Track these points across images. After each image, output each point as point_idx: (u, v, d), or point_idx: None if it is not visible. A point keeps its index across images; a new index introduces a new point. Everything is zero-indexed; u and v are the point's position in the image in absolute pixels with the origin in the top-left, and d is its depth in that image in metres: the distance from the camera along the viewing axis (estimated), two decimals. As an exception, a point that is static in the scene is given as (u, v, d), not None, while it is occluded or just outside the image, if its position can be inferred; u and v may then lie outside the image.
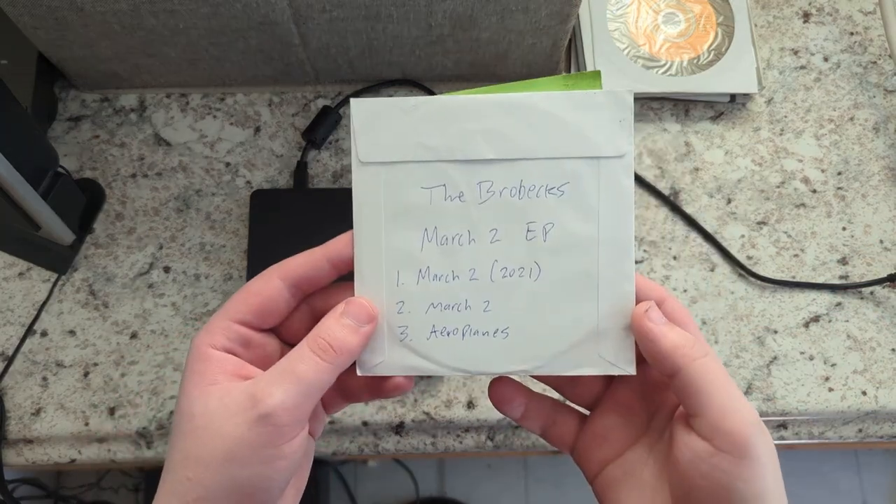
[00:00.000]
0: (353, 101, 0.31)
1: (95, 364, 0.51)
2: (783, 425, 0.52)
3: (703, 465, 0.28)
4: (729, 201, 0.56)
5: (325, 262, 0.31)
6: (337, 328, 0.29)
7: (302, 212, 0.52)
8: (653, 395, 0.32)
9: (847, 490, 1.23)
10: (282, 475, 0.28)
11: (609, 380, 0.34)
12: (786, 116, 0.58)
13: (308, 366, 0.28)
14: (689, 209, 0.55)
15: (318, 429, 0.33)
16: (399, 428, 0.51)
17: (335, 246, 0.31)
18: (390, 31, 0.51)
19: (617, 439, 0.32)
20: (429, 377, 0.51)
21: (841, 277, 0.54)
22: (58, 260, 0.53)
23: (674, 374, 0.29)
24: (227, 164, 0.56)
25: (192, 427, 0.27)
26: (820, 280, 0.54)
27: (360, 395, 0.33)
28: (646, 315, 0.29)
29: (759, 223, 0.55)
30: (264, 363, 0.30)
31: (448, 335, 0.31)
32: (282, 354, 0.30)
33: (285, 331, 0.32)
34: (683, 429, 0.29)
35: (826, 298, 0.54)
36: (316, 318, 0.30)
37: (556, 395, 0.35)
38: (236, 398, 0.27)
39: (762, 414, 0.51)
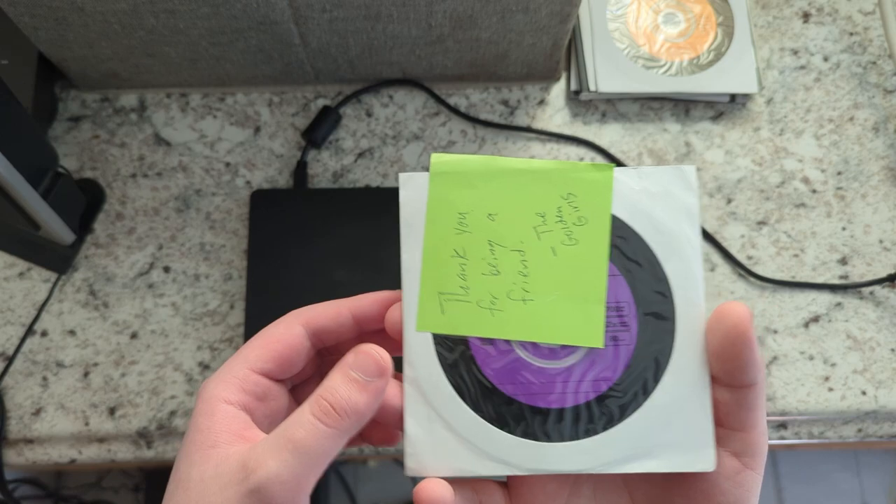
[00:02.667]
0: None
1: (95, 364, 0.51)
2: (783, 425, 0.52)
3: (726, 483, 0.27)
4: (729, 201, 0.56)
5: (350, 316, 0.29)
6: (342, 386, 0.26)
7: (302, 212, 0.52)
8: None
9: (847, 490, 1.23)
10: None
11: None
12: (786, 116, 0.58)
13: (308, 432, 0.25)
14: (689, 209, 0.55)
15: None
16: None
17: (361, 303, 0.29)
18: (390, 31, 0.51)
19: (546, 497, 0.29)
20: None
21: (841, 277, 0.54)
22: (58, 260, 0.53)
23: None
24: (227, 164, 0.56)
25: (185, 497, 0.25)
26: (820, 280, 0.54)
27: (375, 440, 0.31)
28: None
29: (759, 223, 0.55)
30: (277, 420, 0.27)
31: None
32: (289, 413, 0.28)
33: (298, 389, 0.30)
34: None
35: (826, 298, 0.54)
36: None
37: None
38: (231, 467, 0.25)
39: (762, 414, 0.51)
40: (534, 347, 0.28)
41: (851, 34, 0.61)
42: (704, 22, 0.58)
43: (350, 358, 0.26)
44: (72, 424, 0.50)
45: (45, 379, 0.51)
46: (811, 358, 0.52)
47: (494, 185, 0.29)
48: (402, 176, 0.28)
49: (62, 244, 0.52)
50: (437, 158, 0.29)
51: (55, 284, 0.53)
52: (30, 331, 0.52)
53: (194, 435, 0.26)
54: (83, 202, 0.53)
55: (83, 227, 0.53)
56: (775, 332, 0.53)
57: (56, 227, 0.49)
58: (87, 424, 0.50)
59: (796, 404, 0.51)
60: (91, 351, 0.51)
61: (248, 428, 0.26)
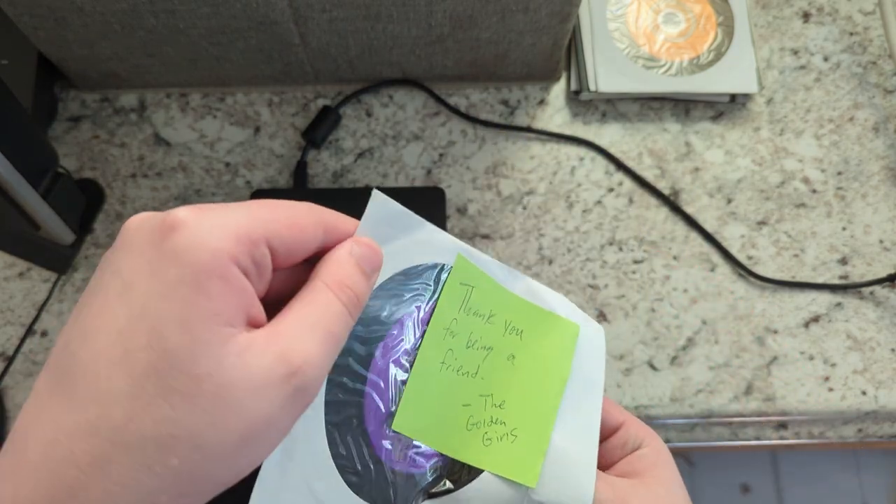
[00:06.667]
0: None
1: (95, 364, 0.51)
2: (783, 425, 0.52)
3: None
4: (729, 201, 0.56)
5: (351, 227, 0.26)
6: (360, 279, 0.23)
7: (302, 212, 0.52)
8: None
9: (847, 490, 1.23)
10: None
11: None
12: (786, 116, 0.58)
13: (344, 325, 0.22)
14: (689, 209, 0.55)
15: None
16: (399, 428, 0.51)
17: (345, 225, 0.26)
18: (390, 30, 0.51)
19: None
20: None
21: (841, 277, 0.54)
22: (58, 260, 0.53)
23: None
24: (227, 164, 0.56)
25: (196, 391, 0.18)
26: (820, 280, 0.54)
27: None
28: None
29: (759, 223, 0.55)
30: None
31: None
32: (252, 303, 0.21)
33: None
34: None
35: (826, 298, 0.54)
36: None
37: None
38: (265, 361, 0.20)
39: (762, 414, 0.51)
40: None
41: (851, 34, 0.61)
42: (704, 22, 0.58)
43: (357, 249, 0.24)
44: (72, 424, 0.50)
45: (45, 379, 0.51)
46: (811, 358, 0.52)
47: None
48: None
49: (62, 244, 0.52)
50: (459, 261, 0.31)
51: (55, 284, 0.53)
52: (30, 331, 0.52)
53: (201, 302, 0.19)
54: (83, 202, 0.53)
55: (83, 227, 0.53)
56: (775, 332, 0.53)
57: (56, 227, 0.49)
58: (87, 424, 0.50)
59: (796, 404, 0.51)
60: (91, 351, 0.51)
61: (253, 306, 0.21)
